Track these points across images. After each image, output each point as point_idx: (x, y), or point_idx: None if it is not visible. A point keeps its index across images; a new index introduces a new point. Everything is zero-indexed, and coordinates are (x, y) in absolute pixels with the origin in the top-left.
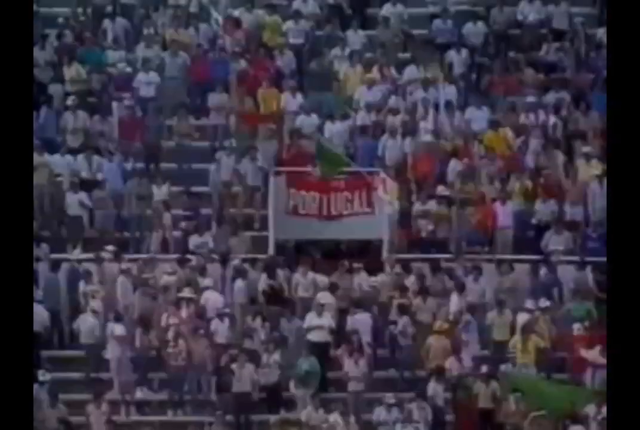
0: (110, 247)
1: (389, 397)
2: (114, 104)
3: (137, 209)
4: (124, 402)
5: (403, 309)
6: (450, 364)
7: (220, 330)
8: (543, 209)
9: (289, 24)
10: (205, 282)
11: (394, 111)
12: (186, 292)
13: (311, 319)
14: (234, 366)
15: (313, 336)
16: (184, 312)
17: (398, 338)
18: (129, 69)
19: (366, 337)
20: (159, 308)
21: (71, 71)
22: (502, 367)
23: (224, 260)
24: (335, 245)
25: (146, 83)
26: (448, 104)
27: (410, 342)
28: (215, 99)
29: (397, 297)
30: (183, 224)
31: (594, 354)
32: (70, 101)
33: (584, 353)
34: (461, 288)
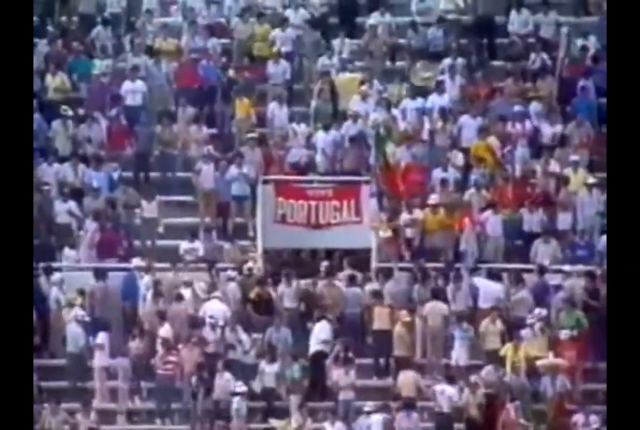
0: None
1: (370, 406)
2: (101, 113)
3: (125, 218)
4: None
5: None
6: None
7: (211, 339)
8: (531, 218)
9: (278, 33)
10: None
11: (383, 121)
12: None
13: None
14: (217, 375)
15: (319, 347)
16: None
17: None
18: (108, 79)
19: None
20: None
21: (56, 80)
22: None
23: (212, 269)
24: (323, 254)
25: (132, 92)
26: (438, 113)
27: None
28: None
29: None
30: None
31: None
32: (60, 110)
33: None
34: (447, 296)
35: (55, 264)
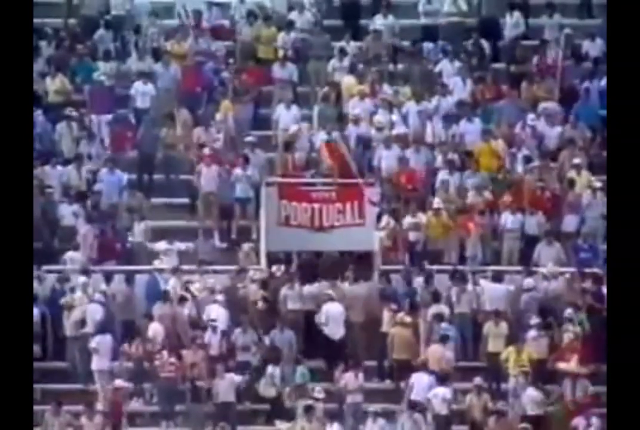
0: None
1: (375, 407)
2: (104, 116)
3: (128, 221)
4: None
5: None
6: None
7: (213, 341)
8: (535, 220)
9: (283, 35)
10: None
11: (387, 123)
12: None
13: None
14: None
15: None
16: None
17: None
18: (110, 81)
19: None
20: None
21: (56, 83)
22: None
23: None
24: (326, 257)
25: (142, 94)
26: (441, 116)
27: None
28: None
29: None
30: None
31: (572, 365)
32: (66, 112)
33: (562, 365)
34: (449, 298)
35: (62, 267)
